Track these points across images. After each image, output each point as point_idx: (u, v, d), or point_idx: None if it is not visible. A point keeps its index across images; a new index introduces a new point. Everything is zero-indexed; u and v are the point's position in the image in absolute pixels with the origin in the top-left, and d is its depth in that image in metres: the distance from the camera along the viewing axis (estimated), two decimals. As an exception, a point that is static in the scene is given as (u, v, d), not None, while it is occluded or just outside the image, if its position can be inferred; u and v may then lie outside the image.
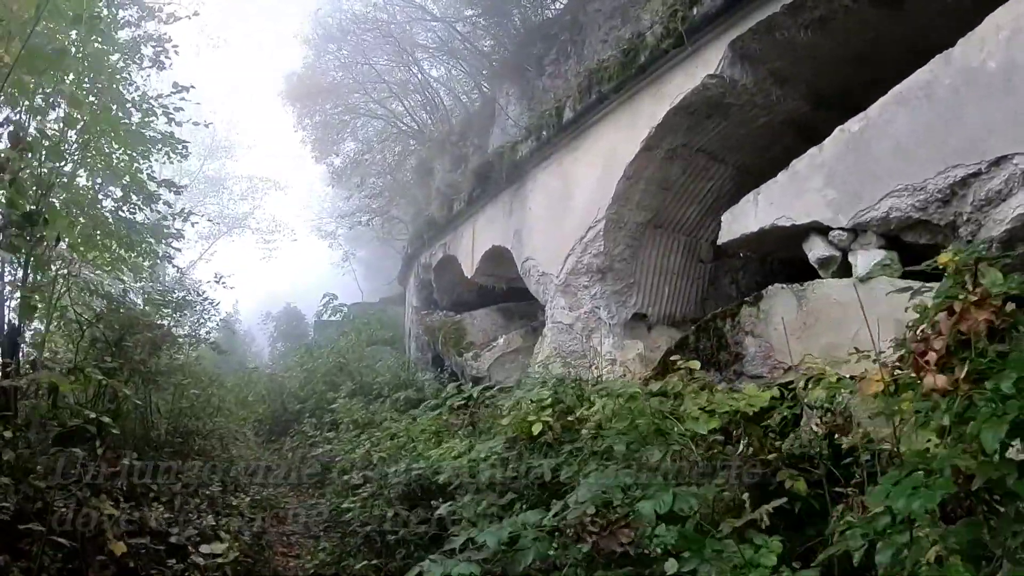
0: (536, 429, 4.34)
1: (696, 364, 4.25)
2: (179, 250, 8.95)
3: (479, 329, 11.75)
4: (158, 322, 7.19)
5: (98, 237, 8.12)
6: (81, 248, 7.92)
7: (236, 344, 31.39)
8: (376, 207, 18.55)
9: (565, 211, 8.23)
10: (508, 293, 12.89)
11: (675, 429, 3.70)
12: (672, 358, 4.64)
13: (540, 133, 8.54)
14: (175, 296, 8.68)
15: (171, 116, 8.31)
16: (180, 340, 8.45)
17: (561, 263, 8.14)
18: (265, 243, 32.87)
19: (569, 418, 4.58)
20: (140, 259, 8.52)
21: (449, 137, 16.36)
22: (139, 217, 8.72)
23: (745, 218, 5.87)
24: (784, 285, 5.36)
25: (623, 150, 7.33)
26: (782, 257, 6.48)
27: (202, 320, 9.39)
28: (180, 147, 8.10)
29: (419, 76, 16.47)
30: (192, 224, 9.10)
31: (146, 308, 7.36)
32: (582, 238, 7.83)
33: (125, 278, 8.46)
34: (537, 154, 8.80)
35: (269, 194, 33.51)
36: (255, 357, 27.27)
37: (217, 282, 9.46)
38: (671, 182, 7.72)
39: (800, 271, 5.63)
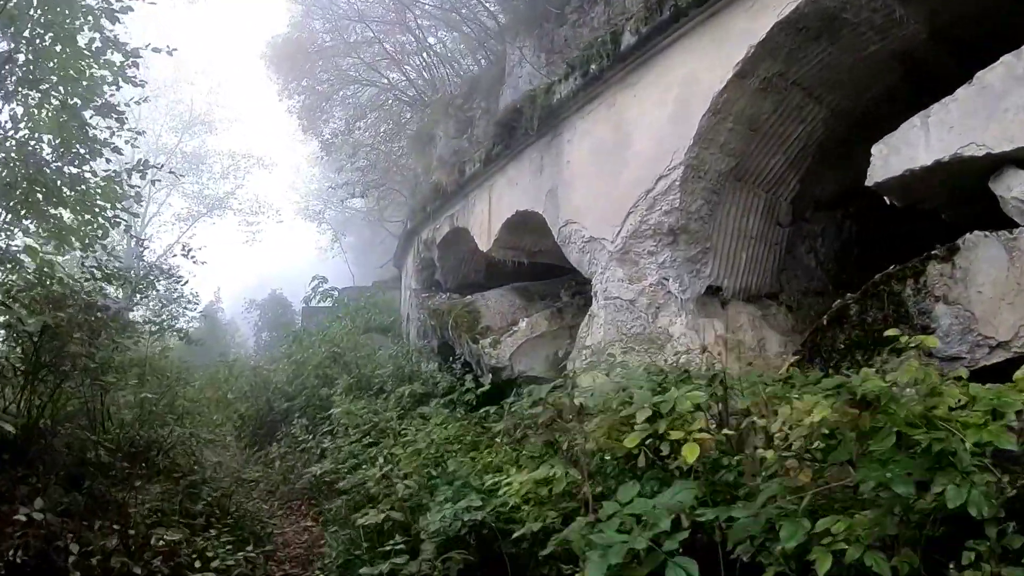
0: (691, 455, 2.63)
1: (934, 342, 2.58)
2: (136, 215, 7.12)
3: (495, 312, 10.03)
4: (101, 302, 5.39)
5: (39, 197, 6.33)
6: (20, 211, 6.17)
7: (219, 334, 29.49)
8: (370, 179, 16.69)
9: (620, 162, 6.53)
10: (523, 271, 11.20)
11: (965, 446, 2.04)
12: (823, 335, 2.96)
13: (587, 68, 6.82)
14: (129, 271, 6.89)
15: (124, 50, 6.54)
16: (140, 327, 6.67)
17: (617, 225, 6.49)
18: (248, 225, 30.81)
19: (727, 431, 2.88)
20: (89, 226, 6.71)
21: (453, 101, 14.54)
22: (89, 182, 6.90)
23: (911, 148, 4.22)
24: (988, 233, 3.77)
25: (707, 79, 5.68)
26: (929, 208, 4.80)
27: (168, 303, 7.59)
28: (131, 65, 6.27)
29: (418, 34, 14.60)
30: (153, 182, 7.27)
31: (85, 284, 5.58)
32: (648, 192, 6.15)
33: (72, 253, 6.67)
34: (581, 95, 7.09)
35: (252, 173, 31.32)
36: (239, 348, 25.37)
37: (185, 255, 7.65)
38: (760, 122, 6.10)
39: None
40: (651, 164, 6.12)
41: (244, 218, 30.83)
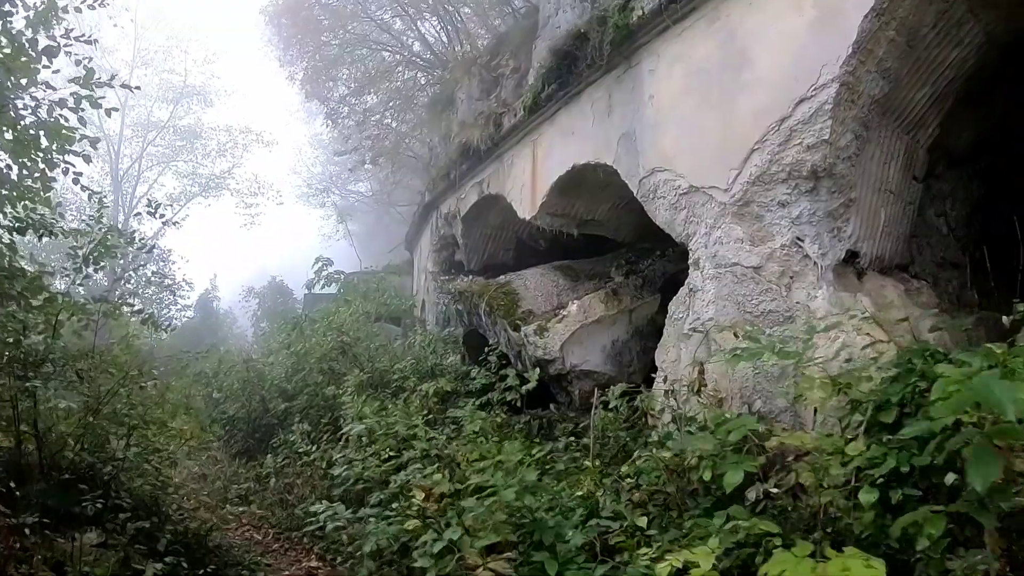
0: None
1: None
2: (88, 159, 5.39)
3: (536, 293, 8.32)
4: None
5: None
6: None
7: (214, 324, 27.74)
8: (382, 147, 14.89)
9: (734, 88, 4.92)
10: (558, 250, 9.52)
11: None
12: None
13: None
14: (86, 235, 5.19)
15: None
16: (91, 307, 4.94)
17: (734, 168, 4.86)
18: (246, 207, 28.90)
19: None
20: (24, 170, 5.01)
21: (477, 59, 12.76)
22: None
23: None
24: None
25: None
26: None
27: (126, 276, 5.83)
28: None
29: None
30: (108, 113, 5.49)
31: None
32: (783, 121, 4.53)
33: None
34: (673, 8, 5.36)
35: (251, 151, 29.26)
36: (236, 339, 23.63)
37: (151, 213, 5.88)
38: (918, 38, 4.51)
39: None
40: (785, 86, 4.50)
41: (242, 199, 28.94)
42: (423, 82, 14.85)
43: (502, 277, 9.05)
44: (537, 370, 7.23)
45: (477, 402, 6.98)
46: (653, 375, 8.08)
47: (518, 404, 7.08)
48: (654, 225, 8.56)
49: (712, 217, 5.12)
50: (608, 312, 7.73)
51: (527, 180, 7.77)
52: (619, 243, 9.71)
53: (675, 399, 4.69)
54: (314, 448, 6.24)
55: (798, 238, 4.64)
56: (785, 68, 4.52)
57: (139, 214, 6.55)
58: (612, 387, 7.91)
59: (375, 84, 15.39)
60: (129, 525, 3.57)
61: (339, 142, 18.41)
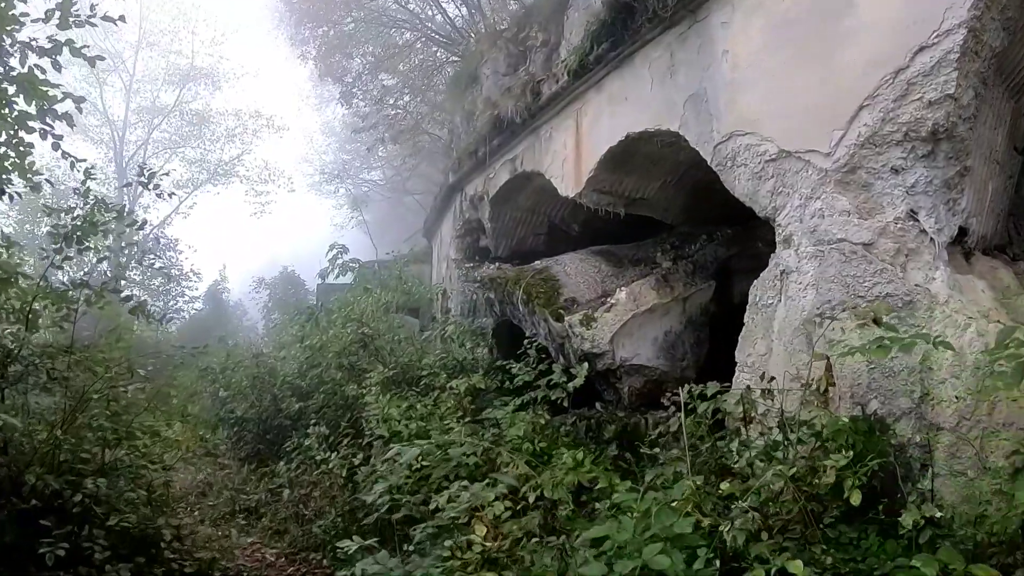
0: None
1: None
2: (71, 121, 4.58)
3: (578, 280, 7.50)
4: None
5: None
6: None
7: (224, 316, 27.04)
8: (402, 125, 14.01)
9: (834, 36, 4.13)
10: (595, 234, 8.70)
11: None
12: None
13: None
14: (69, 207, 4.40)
15: None
16: (68, 293, 4.14)
17: (839, 128, 4.08)
18: (256, 195, 28.09)
19: None
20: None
21: (503, 32, 11.85)
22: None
23: None
24: None
25: None
26: None
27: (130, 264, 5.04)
28: None
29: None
30: (92, 63, 4.66)
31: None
32: (899, 73, 3.80)
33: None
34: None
35: (261, 137, 28.34)
36: (247, 332, 22.89)
37: (144, 184, 5.06)
38: None
39: None
40: (899, 32, 3.76)
41: (252, 187, 28.10)
42: (444, 59, 13.97)
43: (537, 263, 8.22)
44: (585, 365, 6.39)
45: (518, 401, 6.15)
46: (730, 371, 7.20)
47: (564, 403, 6.24)
48: (705, 206, 7.76)
49: (809, 186, 4.32)
50: (661, 300, 6.90)
51: (570, 154, 6.93)
52: (660, 227, 8.87)
53: (775, 399, 3.86)
54: (333, 455, 5.42)
55: (912, 210, 3.89)
56: (898, 12, 3.80)
57: (130, 184, 5.74)
58: (667, 384, 7.11)
59: (393, 62, 14.50)
60: (109, 568, 2.77)
61: (354, 123, 17.54)
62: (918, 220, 3.90)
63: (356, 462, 5.40)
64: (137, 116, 27.37)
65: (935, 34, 3.61)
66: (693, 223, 7.77)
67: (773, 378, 4.17)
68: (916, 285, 3.86)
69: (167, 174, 6.66)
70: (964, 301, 3.79)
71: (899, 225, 3.93)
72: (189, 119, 27.27)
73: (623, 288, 7.17)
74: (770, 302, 4.60)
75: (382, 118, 14.58)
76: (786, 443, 3.44)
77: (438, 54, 14.41)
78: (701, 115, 5.14)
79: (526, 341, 7.05)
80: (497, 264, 9.72)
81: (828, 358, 3.67)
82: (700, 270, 7.62)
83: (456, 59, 13.16)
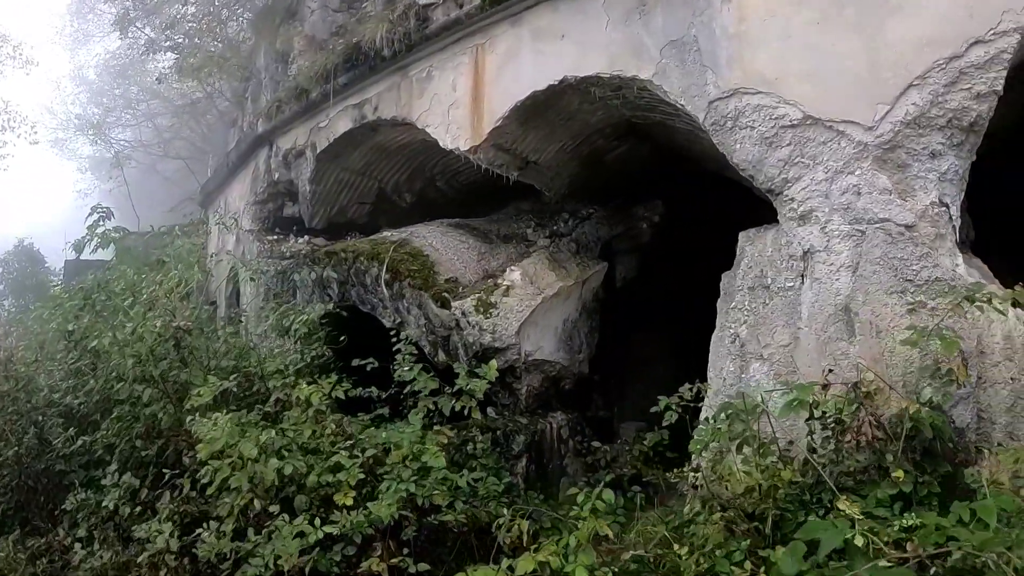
0: None
1: None
2: None
3: (451, 257, 6.26)
4: None
5: None
6: None
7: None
8: (194, 61, 10.80)
9: (880, 6, 3.79)
10: (432, 204, 7.79)
11: None
12: None
13: None
14: None
15: None
16: None
17: (885, 103, 3.75)
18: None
19: None
20: None
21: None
22: None
23: None
24: None
25: None
26: None
27: None
28: None
29: None
30: None
31: None
32: (952, 59, 3.61)
33: None
34: None
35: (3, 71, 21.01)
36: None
37: None
38: None
39: None
40: (954, 19, 3.63)
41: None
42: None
43: (389, 233, 6.68)
44: (494, 363, 5.11)
45: (419, 418, 4.67)
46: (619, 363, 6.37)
47: (469, 412, 4.91)
48: (591, 180, 6.94)
49: (840, 159, 3.86)
50: (565, 284, 5.88)
51: (462, 99, 5.58)
52: (498, 202, 7.89)
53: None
54: (158, 527, 3.44)
55: (943, 195, 3.76)
56: (955, 2, 3.62)
57: None
58: (564, 381, 6.13)
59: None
60: None
61: (117, 68, 13.50)
62: (947, 206, 3.77)
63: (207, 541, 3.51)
64: None
65: (991, 32, 3.56)
66: (576, 198, 6.89)
67: (793, 372, 3.43)
68: (954, 270, 3.72)
69: None
70: (993, 288, 3.68)
71: (936, 210, 3.76)
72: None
73: (514, 268, 6.04)
74: (791, 285, 3.89)
75: (168, 47, 11.25)
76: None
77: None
78: (689, 65, 4.34)
79: (395, 335, 5.48)
80: (307, 238, 7.85)
81: (961, 349, 3.02)
82: (584, 250, 6.80)
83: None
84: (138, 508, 3.81)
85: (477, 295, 5.70)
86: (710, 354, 4.81)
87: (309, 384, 4.76)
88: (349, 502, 4.06)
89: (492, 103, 5.41)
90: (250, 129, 8.79)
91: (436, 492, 4.06)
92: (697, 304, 8.95)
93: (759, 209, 4.69)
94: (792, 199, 3.99)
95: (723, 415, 3.70)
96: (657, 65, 4.47)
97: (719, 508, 3.25)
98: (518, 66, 5.24)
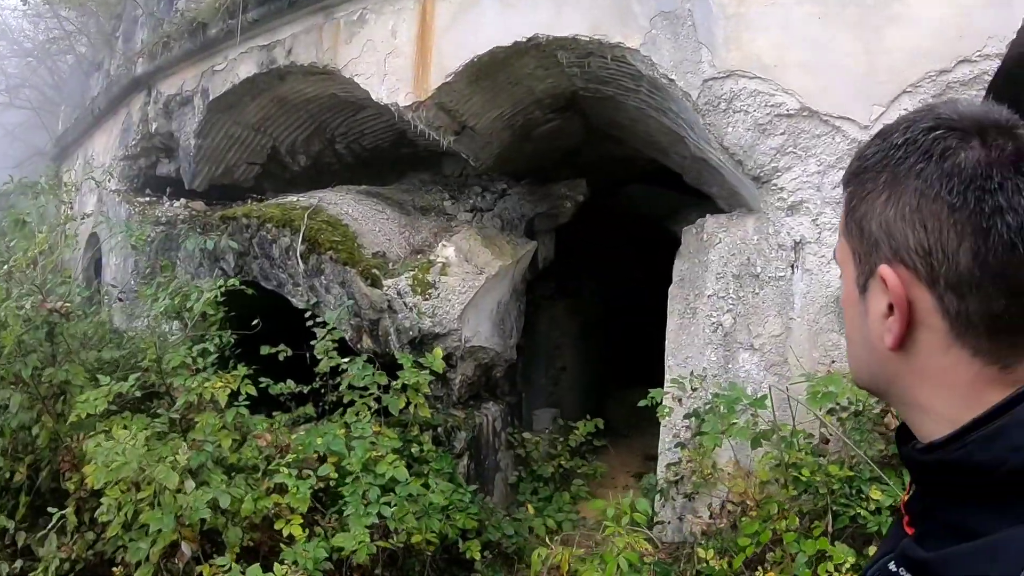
0: None
1: None
2: None
3: (373, 229, 5.61)
4: None
5: None
6: None
7: None
8: None
9: (879, 13, 3.85)
10: (313, 173, 6.95)
11: None
12: None
13: None
14: None
15: None
16: None
17: (880, 104, 3.82)
18: None
19: None
20: None
21: None
22: None
23: None
24: None
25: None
26: None
27: None
28: None
29: None
30: None
31: None
32: (943, 73, 3.76)
33: None
34: None
35: None
36: None
37: None
38: None
39: None
40: (946, 37, 3.78)
41: None
42: None
43: (295, 198, 5.77)
44: (439, 352, 4.54)
45: (357, 413, 3.99)
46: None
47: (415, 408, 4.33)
48: (516, 155, 6.47)
49: (835, 154, 3.95)
50: (504, 262, 5.40)
51: (405, 48, 4.85)
52: (395, 173, 7.27)
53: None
54: None
55: None
56: (947, 18, 3.78)
57: None
58: (496, 369, 5.69)
59: None
60: None
61: None
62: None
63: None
64: None
65: (977, 53, 3.72)
66: (500, 172, 6.39)
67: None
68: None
69: None
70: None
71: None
72: None
73: (446, 244, 5.46)
74: (783, 275, 3.77)
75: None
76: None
77: None
78: (682, 40, 4.08)
79: (312, 318, 4.69)
80: (185, 201, 6.63)
81: None
82: (509, 227, 6.35)
83: None
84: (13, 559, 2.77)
85: (411, 273, 5.02)
86: (668, 342, 4.63)
87: (206, 379, 3.86)
88: (297, 532, 3.32)
89: (443, 56, 4.73)
90: (122, 71, 7.13)
91: (410, 513, 3.44)
92: (609, 289, 8.82)
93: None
94: (782, 188, 3.97)
95: (722, 408, 3.51)
96: (646, 35, 4.16)
97: (754, 507, 3.01)
98: (479, 16, 4.61)
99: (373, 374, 4.14)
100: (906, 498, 0.83)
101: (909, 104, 3.71)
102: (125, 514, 2.99)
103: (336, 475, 3.67)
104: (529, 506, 4.83)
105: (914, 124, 0.76)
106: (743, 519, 3.05)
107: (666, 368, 4.74)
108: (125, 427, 3.38)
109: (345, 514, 3.24)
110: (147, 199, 6.55)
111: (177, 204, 6.61)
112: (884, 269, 0.74)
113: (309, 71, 5.41)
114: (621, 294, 8.69)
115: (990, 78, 3.74)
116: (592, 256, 7.84)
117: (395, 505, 3.43)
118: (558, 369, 7.29)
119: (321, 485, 3.59)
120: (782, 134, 3.92)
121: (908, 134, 0.75)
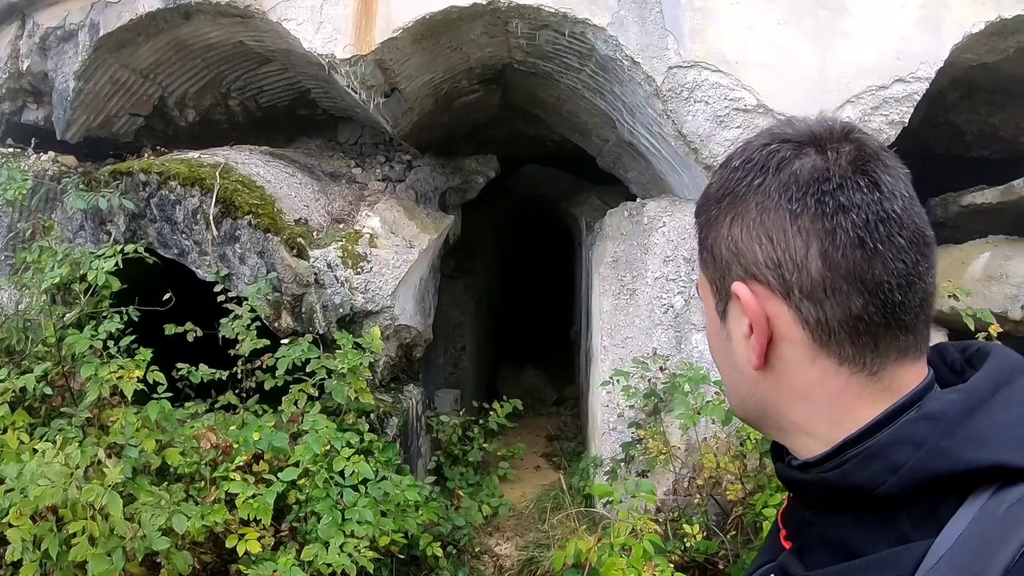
0: None
1: None
2: None
3: (289, 193, 5.13)
4: None
5: None
6: None
7: None
8: None
9: (830, 28, 4.16)
10: (195, 131, 6.33)
11: None
12: None
13: None
14: None
15: None
16: None
17: (827, 109, 4.11)
18: None
19: None
20: None
21: None
22: None
23: None
24: None
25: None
26: None
27: None
28: None
29: None
30: None
31: None
32: (881, 88, 4.15)
33: None
34: None
35: None
36: None
37: None
38: None
39: None
40: (886, 55, 4.16)
41: None
42: None
43: (197, 154, 5.06)
44: (377, 331, 4.26)
45: (293, 402, 3.64)
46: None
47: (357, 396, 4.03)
48: (434, 125, 6.22)
49: None
50: (431, 236, 5.16)
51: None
52: (292, 135, 6.78)
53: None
54: None
55: None
56: (888, 40, 4.17)
57: None
58: (416, 348, 5.47)
59: None
60: None
61: None
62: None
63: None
64: None
65: (911, 75, 4.14)
66: (415, 141, 6.08)
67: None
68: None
69: None
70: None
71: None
72: None
73: (370, 213, 5.11)
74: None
75: None
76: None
77: None
78: (649, 25, 4.13)
79: (220, 292, 4.18)
80: (53, 155, 5.57)
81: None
82: (423, 200, 6.08)
83: None
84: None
85: (340, 243, 4.61)
86: (602, 322, 4.70)
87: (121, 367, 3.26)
88: (256, 549, 2.91)
89: (391, 8, 4.34)
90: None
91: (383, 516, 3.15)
92: (502, 267, 8.74)
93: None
94: (737, 180, 4.09)
95: (686, 387, 3.62)
96: (614, 15, 4.16)
97: (735, 480, 3.14)
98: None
99: (320, 357, 3.75)
100: (783, 510, 0.82)
101: (852, 113, 4.09)
102: (47, 551, 2.42)
103: (295, 478, 3.28)
104: (460, 492, 4.69)
105: (749, 145, 0.77)
106: (721, 494, 3.19)
107: (599, 348, 4.81)
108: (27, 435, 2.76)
109: (322, 522, 2.89)
110: (10, 150, 5.36)
111: (45, 157, 5.51)
112: (737, 286, 0.73)
113: (223, 11, 4.69)
114: (514, 273, 8.71)
115: (919, 98, 4.17)
116: (487, 234, 7.75)
117: (365, 506, 3.13)
118: (459, 349, 7.13)
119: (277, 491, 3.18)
120: (738, 127, 4.14)
121: (744, 155, 0.76)
